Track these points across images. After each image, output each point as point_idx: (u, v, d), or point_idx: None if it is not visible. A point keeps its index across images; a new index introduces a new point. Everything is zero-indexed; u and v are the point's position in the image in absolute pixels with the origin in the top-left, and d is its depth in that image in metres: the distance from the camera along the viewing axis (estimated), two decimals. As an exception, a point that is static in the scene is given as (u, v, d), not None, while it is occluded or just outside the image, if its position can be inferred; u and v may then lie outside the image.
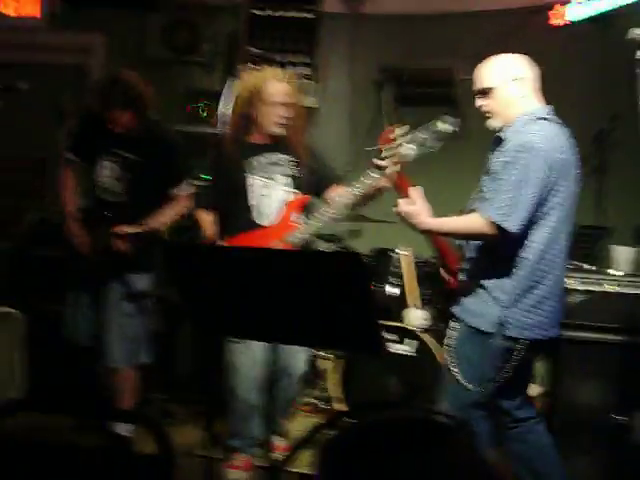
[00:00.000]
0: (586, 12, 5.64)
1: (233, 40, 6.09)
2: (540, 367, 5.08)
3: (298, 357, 3.97)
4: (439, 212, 5.82)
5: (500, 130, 3.35)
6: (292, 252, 3.14)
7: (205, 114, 5.92)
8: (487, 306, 3.25)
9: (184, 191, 4.22)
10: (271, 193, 3.90)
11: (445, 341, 3.48)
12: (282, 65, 5.56)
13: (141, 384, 4.45)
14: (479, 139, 5.99)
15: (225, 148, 3.96)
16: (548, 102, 5.94)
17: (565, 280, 4.18)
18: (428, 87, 6.25)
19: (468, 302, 3.35)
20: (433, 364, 4.55)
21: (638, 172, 5.42)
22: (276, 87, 3.87)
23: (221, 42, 6.25)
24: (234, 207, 3.94)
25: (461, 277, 3.44)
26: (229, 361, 3.91)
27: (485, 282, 3.27)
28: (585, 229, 5.23)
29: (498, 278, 3.25)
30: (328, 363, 4.87)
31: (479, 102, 3.42)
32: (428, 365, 4.55)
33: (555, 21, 5.79)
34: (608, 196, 5.40)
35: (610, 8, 5.52)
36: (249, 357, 3.84)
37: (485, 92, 3.36)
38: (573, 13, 5.71)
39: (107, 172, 4.15)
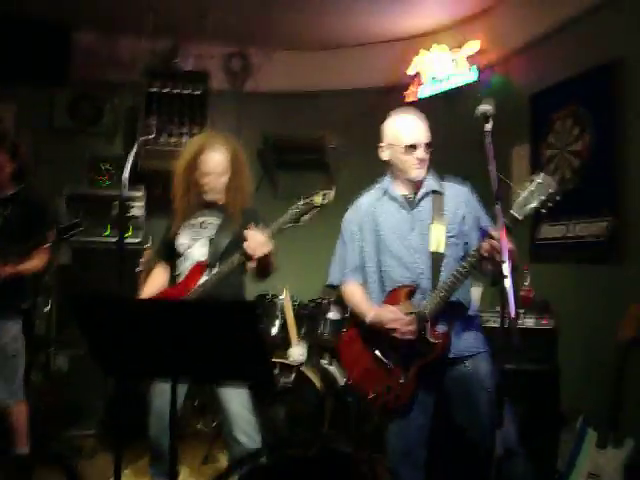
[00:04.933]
0: (433, 90, 5.90)
1: (132, 113, 6.08)
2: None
3: (236, 402, 3.64)
4: (319, 269, 5.96)
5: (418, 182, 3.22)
6: (195, 302, 3.04)
7: (106, 179, 5.88)
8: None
9: (42, 247, 4.11)
10: (192, 253, 3.72)
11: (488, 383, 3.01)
12: (180, 135, 5.56)
13: (49, 421, 4.34)
14: (346, 199, 6.22)
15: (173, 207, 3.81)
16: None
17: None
18: (303, 154, 6.36)
19: (479, 337, 3.13)
20: (313, 392, 4.60)
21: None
22: (210, 156, 3.70)
23: (121, 115, 6.22)
24: (172, 264, 3.85)
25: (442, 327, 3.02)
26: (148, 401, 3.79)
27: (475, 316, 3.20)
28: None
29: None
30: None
31: (424, 154, 3.18)
32: (308, 394, 4.58)
33: (409, 98, 6.02)
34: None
35: (453, 87, 5.77)
36: (162, 399, 3.62)
37: (429, 145, 3.19)
38: (423, 91, 5.95)
39: None
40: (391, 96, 6.25)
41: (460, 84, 5.77)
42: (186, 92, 5.75)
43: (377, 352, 3.06)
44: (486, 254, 2.78)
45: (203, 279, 3.60)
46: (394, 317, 2.97)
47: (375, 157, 6.34)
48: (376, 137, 6.36)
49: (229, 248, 3.63)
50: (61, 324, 5.11)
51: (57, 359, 5.08)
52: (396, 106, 6.18)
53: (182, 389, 3.78)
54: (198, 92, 5.76)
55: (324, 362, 5.12)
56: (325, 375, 4.92)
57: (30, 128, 6.01)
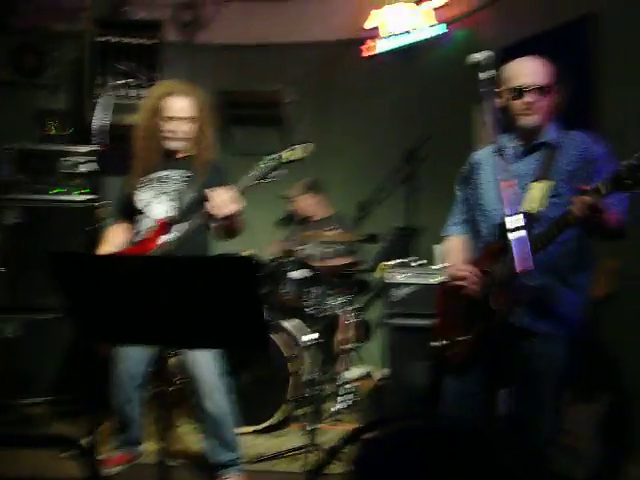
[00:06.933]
0: (391, 45, 5.77)
1: (77, 65, 5.74)
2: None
3: (202, 367, 3.54)
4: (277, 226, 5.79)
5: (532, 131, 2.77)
6: (183, 258, 2.76)
7: (55, 132, 5.51)
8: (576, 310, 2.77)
9: None
10: (153, 210, 3.54)
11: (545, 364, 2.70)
12: (134, 87, 5.27)
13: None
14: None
15: (131, 161, 3.62)
16: (366, 122, 6.06)
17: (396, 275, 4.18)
18: (257, 109, 6.15)
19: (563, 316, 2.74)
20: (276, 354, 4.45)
21: (442, 181, 5.57)
22: (174, 101, 3.52)
23: (66, 66, 5.87)
24: (131, 221, 3.65)
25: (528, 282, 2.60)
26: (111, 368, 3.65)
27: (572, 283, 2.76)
28: (400, 230, 5.29)
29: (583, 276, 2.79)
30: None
31: (534, 98, 2.68)
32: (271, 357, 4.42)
33: (366, 53, 5.89)
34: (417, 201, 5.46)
35: (411, 42, 5.67)
36: (126, 365, 3.60)
37: (543, 89, 2.69)
38: (381, 46, 5.82)
39: None
40: (349, 50, 6.09)
41: (420, 39, 5.64)
42: (138, 42, 5.44)
43: (451, 306, 2.91)
44: (579, 213, 2.38)
45: (165, 238, 3.39)
46: (462, 275, 2.80)
47: (331, 112, 6.23)
48: (332, 92, 6.24)
49: (193, 205, 3.42)
50: (14, 288, 4.80)
51: (7, 325, 4.77)
52: (353, 61, 6.09)
53: (147, 354, 3.63)
54: (150, 42, 5.45)
55: (284, 323, 4.97)
56: (287, 336, 4.78)
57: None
